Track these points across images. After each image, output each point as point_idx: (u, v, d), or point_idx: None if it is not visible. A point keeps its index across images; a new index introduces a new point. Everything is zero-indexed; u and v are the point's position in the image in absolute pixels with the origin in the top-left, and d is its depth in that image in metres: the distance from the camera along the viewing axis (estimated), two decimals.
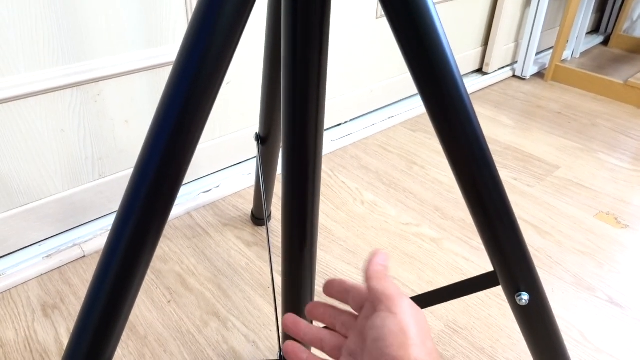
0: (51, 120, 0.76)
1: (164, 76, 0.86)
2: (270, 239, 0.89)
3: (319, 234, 0.91)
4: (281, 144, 0.45)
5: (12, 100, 0.71)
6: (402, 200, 1.02)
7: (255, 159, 1.09)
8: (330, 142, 1.18)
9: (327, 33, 0.38)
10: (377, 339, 0.29)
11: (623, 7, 1.88)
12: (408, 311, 0.30)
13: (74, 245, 0.83)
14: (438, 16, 0.35)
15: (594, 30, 2.06)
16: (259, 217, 0.91)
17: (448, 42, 0.35)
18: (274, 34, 0.58)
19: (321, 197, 1.01)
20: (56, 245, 0.83)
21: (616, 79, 1.53)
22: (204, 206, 0.97)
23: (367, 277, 0.32)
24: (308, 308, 0.39)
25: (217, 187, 1.00)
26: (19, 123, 0.73)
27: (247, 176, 1.04)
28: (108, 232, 0.86)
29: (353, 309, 0.35)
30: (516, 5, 1.54)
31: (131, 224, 0.37)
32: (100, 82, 0.79)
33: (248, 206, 0.97)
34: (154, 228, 0.37)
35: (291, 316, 0.37)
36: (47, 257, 0.81)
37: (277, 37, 0.59)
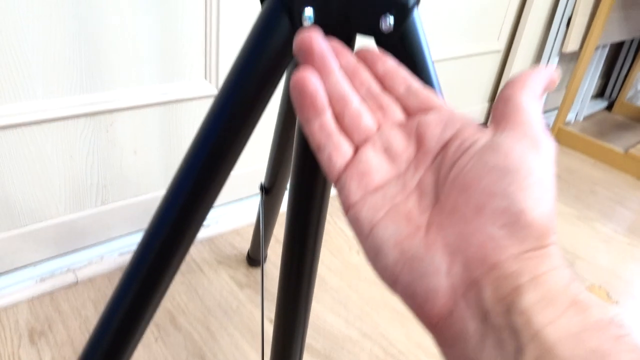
0: (62, 146, 0.78)
1: (176, 111, 0.88)
2: (265, 283, 0.89)
3: None
4: (287, 193, 0.47)
5: (26, 125, 0.73)
6: None
7: (257, 198, 1.10)
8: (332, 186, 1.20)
9: None
10: (499, 169, 0.19)
11: (628, 74, 1.93)
12: (552, 160, 0.20)
13: (68, 270, 0.84)
14: (440, 87, 0.36)
15: (599, 94, 2.10)
16: (254, 258, 0.91)
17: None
18: (288, 90, 0.60)
19: None
20: (51, 269, 0.83)
21: (617, 146, 1.56)
22: (201, 241, 0.97)
23: (515, 84, 0.22)
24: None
25: (216, 222, 1.00)
26: (30, 147, 0.75)
27: (247, 213, 1.05)
28: (103, 259, 0.87)
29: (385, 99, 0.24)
30: (525, 65, 1.58)
31: (155, 249, 0.38)
32: (114, 113, 0.81)
33: (245, 244, 0.98)
34: (173, 264, 0.39)
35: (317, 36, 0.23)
36: (41, 280, 0.81)
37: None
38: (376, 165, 0.23)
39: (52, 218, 0.82)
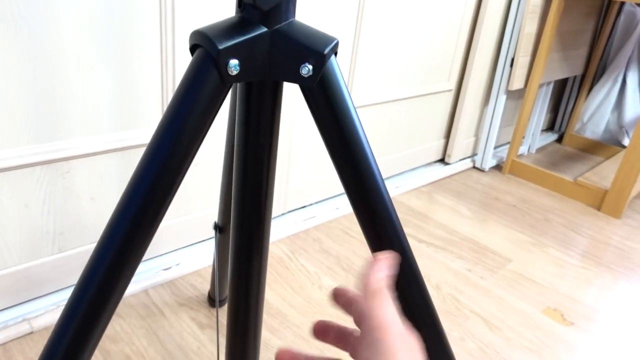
0: (16, 194, 0.78)
1: (134, 157, 0.90)
2: (223, 321, 0.90)
3: (274, 318, 0.92)
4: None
5: None
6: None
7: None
8: (293, 224, 1.22)
9: (276, 134, 0.43)
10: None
11: (574, 109, 2.05)
12: (398, 344, 0.27)
13: (23, 320, 0.82)
14: (360, 123, 0.40)
15: (549, 128, 2.22)
16: (215, 299, 0.91)
17: (369, 145, 0.40)
18: (233, 133, 0.63)
19: (279, 280, 1.03)
20: (4, 319, 0.82)
21: (567, 176, 1.64)
22: (162, 284, 0.97)
23: (363, 290, 0.29)
24: (316, 327, 0.34)
25: (178, 264, 1.01)
26: None
27: (208, 255, 1.05)
28: (59, 307, 0.86)
29: (355, 322, 0.32)
30: (475, 103, 1.67)
31: (88, 296, 0.37)
32: (71, 160, 0.82)
33: (206, 286, 0.98)
34: (111, 301, 0.38)
35: (287, 352, 0.33)
36: None
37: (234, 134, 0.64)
38: None
39: (7, 267, 0.82)
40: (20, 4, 0.68)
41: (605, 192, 1.52)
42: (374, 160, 0.41)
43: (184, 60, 0.89)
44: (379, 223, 0.41)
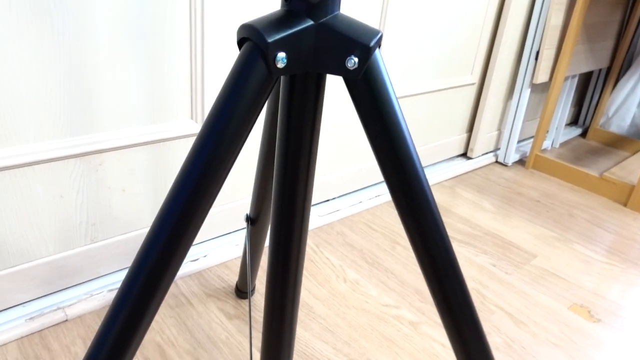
0: (52, 186, 0.80)
1: (164, 150, 0.91)
2: (253, 313, 0.91)
3: (299, 310, 0.93)
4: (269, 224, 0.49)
5: (18, 167, 0.75)
6: (384, 281, 1.04)
7: (244, 231, 1.13)
8: (317, 218, 1.23)
9: (318, 127, 0.43)
10: None
11: (599, 102, 2.02)
12: None
13: (58, 308, 0.84)
14: (403, 116, 0.40)
15: (573, 122, 2.19)
16: (242, 290, 0.93)
17: (411, 138, 0.40)
18: (270, 125, 0.64)
19: (305, 273, 1.04)
20: (40, 307, 0.84)
21: (592, 171, 1.62)
22: (189, 275, 0.98)
23: None
24: None
25: (205, 256, 1.02)
26: (21, 188, 0.77)
27: (234, 247, 1.07)
28: (92, 296, 0.88)
29: None
30: (499, 97, 1.65)
31: (140, 282, 0.38)
32: (104, 153, 0.84)
33: (233, 277, 0.99)
34: (160, 289, 0.39)
35: None
36: (30, 319, 0.81)
37: (273, 128, 0.65)
38: None
39: (42, 257, 0.84)
40: None
41: (632, 187, 1.50)
42: (416, 153, 0.41)
43: (213, 53, 0.90)
44: (420, 215, 0.41)
